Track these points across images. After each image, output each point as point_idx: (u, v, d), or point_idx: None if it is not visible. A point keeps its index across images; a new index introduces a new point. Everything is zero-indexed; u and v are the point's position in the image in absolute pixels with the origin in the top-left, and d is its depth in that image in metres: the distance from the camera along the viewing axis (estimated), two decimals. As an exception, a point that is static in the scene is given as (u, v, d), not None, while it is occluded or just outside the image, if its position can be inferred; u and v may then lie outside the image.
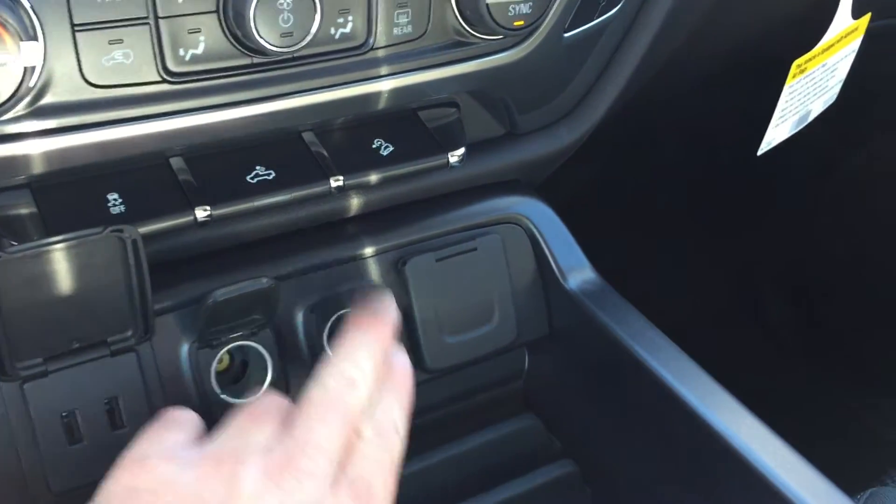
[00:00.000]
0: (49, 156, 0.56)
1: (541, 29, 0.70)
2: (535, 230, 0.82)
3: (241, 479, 0.48)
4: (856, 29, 0.95)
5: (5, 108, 0.51)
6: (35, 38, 0.51)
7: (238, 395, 0.69)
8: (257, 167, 0.66)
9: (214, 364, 0.68)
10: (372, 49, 0.63)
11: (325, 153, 0.68)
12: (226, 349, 0.69)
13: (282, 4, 0.56)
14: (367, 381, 0.54)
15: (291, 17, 0.56)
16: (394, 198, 0.77)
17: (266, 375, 0.71)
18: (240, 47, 0.58)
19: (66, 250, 0.58)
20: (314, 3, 0.57)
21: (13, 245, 0.58)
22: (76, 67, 0.54)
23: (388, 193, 0.76)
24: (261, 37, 0.56)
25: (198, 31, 0.56)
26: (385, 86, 0.66)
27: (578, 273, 0.82)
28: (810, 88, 0.96)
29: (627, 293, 0.81)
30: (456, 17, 0.65)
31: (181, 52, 0.57)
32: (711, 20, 0.90)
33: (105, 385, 0.65)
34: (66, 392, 0.63)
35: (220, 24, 0.57)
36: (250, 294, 0.65)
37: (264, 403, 0.54)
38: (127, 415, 0.65)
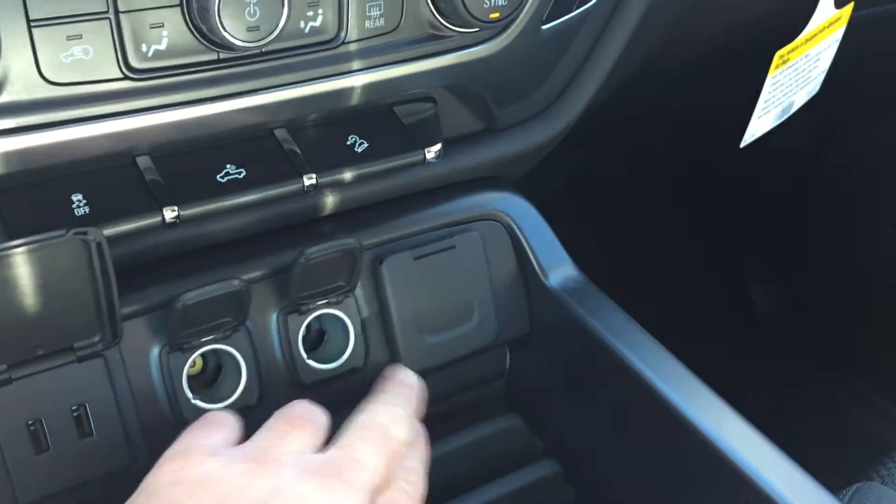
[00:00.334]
0: (7, 157, 0.54)
1: (518, 21, 0.69)
2: (515, 227, 0.81)
3: (284, 478, 0.50)
4: (839, 18, 0.95)
5: (-41, 108, 0.49)
6: (-12, 35, 0.49)
7: (211, 401, 0.67)
8: (227, 165, 0.65)
9: (186, 368, 0.67)
10: (343, 43, 0.62)
11: (298, 150, 0.67)
12: (199, 353, 0.67)
13: (248, -3, 0.54)
14: (408, 425, 0.59)
15: (258, 10, 0.55)
16: (369, 195, 0.75)
17: (240, 379, 0.69)
18: (205, 42, 0.56)
19: (27, 254, 0.56)
20: (282, -4, 0.55)
21: (-28, 249, 0.56)
22: (33, 64, 0.52)
23: (363, 191, 0.74)
24: (226, 31, 0.54)
25: (160, 25, 0.55)
26: (358, 81, 0.64)
27: (560, 270, 0.80)
28: (793, 79, 0.95)
29: (610, 290, 0.79)
30: (430, 9, 0.64)
31: (143, 47, 0.55)
32: (693, 11, 0.89)
33: (72, 392, 0.63)
34: (32, 400, 0.62)
35: (184, 18, 0.55)
36: (221, 297, 0.64)
37: (298, 409, 0.57)
38: (95, 422, 0.64)
